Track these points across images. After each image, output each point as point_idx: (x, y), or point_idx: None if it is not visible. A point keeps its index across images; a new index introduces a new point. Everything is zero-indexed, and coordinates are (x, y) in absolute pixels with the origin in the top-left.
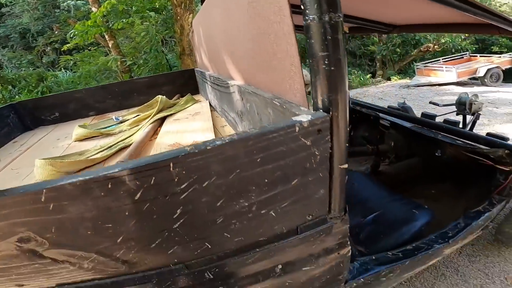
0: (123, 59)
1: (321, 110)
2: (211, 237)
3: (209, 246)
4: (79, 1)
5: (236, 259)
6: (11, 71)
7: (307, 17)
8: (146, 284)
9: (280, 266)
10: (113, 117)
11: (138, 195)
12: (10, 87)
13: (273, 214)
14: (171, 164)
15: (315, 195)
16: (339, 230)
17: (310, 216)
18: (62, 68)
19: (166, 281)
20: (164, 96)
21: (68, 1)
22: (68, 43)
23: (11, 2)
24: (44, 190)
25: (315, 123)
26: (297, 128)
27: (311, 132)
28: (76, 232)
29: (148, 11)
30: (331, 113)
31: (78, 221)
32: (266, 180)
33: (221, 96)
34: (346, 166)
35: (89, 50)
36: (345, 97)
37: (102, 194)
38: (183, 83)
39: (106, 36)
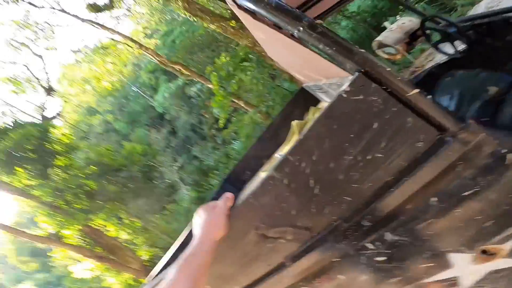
0: (258, 109)
1: (356, 73)
2: (345, 191)
3: (349, 198)
4: (197, 85)
5: (381, 202)
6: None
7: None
8: (327, 242)
9: (435, 199)
10: (277, 155)
11: (287, 180)
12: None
13: (380, 155)
14: (290, 157)
15: (407, 125)
16: (477, 142)
17: (421, 143)
18: (232, 141)
19: (338, 236)
20: (296, 120)
21: (191, 89)
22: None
23: (165, 108)
24: (250, 196)
25: (356, 82)
26: (344, 94)
27: (357, 91)
28: (278, 214)
29: (240, 64)
30: (363, 70)
31: (275, 205)
32: (356, 132)
33: (326, 95)
34: (415, 91)
35: (234, 117)
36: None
37: (286, 182)
38: (304, 103)
39: (235, 100)
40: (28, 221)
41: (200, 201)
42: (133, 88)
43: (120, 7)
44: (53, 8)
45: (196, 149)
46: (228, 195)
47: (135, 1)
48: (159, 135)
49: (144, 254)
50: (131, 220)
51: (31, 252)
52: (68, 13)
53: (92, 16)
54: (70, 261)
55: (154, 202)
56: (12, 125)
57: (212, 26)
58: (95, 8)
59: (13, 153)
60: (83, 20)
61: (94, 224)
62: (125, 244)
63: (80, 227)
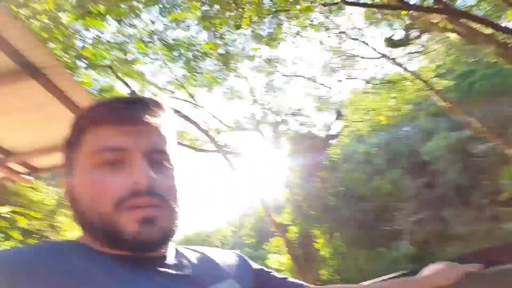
0: None
1: None
2: None
3: None
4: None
5: None
6: (459, 227)
7: None
8: None
9: None
10: None
11: None
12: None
13: None
14: None
15: None
16: None
17: None
18: (507, 221)
19: None
20: None
21: (478, 146)
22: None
23: (433, 158)
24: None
25: None
26: None
27: None
28: None
29: None
30: None
31: None
32: None
33: None
34: None
35: None
36: None
37: None
38: None
39: None
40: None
41: (412, 260)
42: (405, 128)
43: (415, 44)
44: (359, 39)
45: (449, 211)
46: (477, 265)
47: (432, 38)
48: (414, 182)
49: (325, 275)
50: (338, 244)
51: (257, 230)
52: (368, 45)
53: (386, 50)
54: (275, 250)
55: (368, 239)
56: (304, 135)
57: None
58: (391, 42)
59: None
60: (379, 53)
61: (311, 232)
62: (318, 260)
63: (301, 229)
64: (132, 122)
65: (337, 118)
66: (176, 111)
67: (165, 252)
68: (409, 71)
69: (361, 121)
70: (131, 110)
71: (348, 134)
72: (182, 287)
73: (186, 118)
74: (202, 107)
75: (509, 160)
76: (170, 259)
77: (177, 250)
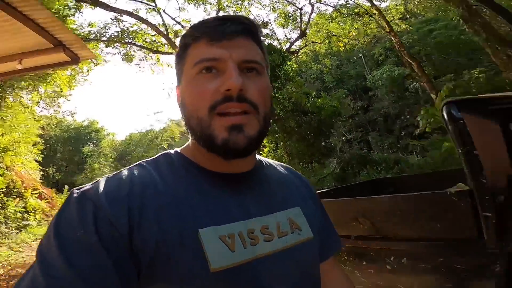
0: None
1: None
2: None
3: None
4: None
5: None
6: (376, 153)
7: None
8: None
9: None
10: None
11: None
12: (375, 167)
13: None
14: None
15: None
16: None
17: None
18: (414, 153)
19: None
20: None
21: (414, 84)
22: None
23: (375, 85)
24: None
25: None
26: None
27: None
28: None
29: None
30: None
31: None
32: None
33: None
34: None
35: (436, 133)
36: None
37: None
38: None
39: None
40: None
41: (336, 178)
42: (360, 55)
43: None
44: None
45: (373, 136)
46: None
47: None
48: (353, 104)
49: None
50: (281, 155)
51: None
52: None
53: None
54: None
55: (308, 152)
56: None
57: (487, 49)
58: None
59: None
60: None
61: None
62: None
63: None
64: (226, 37)
65: (300, 36)
66: (130, 13)
67: (251, 166)
68: (378, 9)
69: (320, 43)
70: (225, 27)
71: (305, 52)
72: (257, 206)
73: (143, 20)
74: (161, 9)
75: (431, 102)
76: (253, 175)
77: (262, 163)
